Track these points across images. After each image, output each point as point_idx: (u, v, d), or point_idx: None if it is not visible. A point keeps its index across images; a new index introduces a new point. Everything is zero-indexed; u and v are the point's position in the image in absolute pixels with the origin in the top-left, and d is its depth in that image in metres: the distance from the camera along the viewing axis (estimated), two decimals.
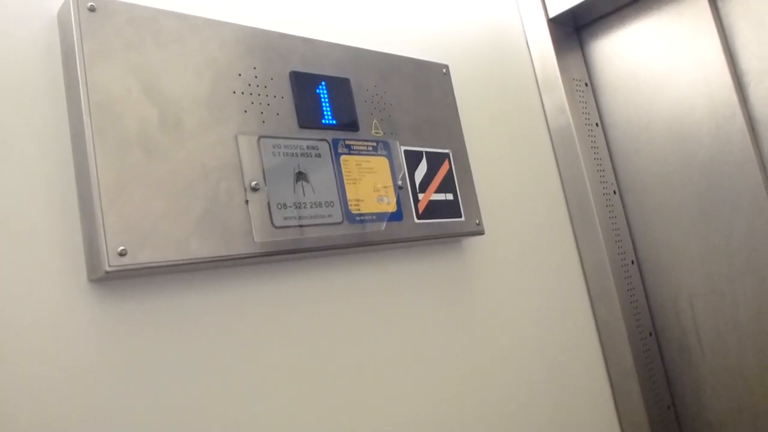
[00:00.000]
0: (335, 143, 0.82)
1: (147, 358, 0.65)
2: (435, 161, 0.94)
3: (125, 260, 0.60)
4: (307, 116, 0.80)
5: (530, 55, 1.27)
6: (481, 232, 0.98)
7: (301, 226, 0.75)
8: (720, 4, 1.14)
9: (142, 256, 0.62)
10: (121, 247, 0.60)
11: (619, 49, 1.26)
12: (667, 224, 1.21)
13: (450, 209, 0.94)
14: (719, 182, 1.13)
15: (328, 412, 0.77)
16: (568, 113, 1.22)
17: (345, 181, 0.81)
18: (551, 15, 1.25)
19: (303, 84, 0.80)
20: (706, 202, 1.15)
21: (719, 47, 1.12)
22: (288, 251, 0.73)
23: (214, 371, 0.69)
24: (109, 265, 0.60)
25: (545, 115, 1.26)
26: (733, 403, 1.14)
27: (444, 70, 1.01)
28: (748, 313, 1.11)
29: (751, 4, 1.10)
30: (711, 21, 1.13)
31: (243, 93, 0.74)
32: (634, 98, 1.24)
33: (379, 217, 0.83)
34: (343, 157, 0.82)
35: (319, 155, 0.79)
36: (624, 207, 1.27)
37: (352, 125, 0.84)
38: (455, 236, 0.94)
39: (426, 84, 0.97)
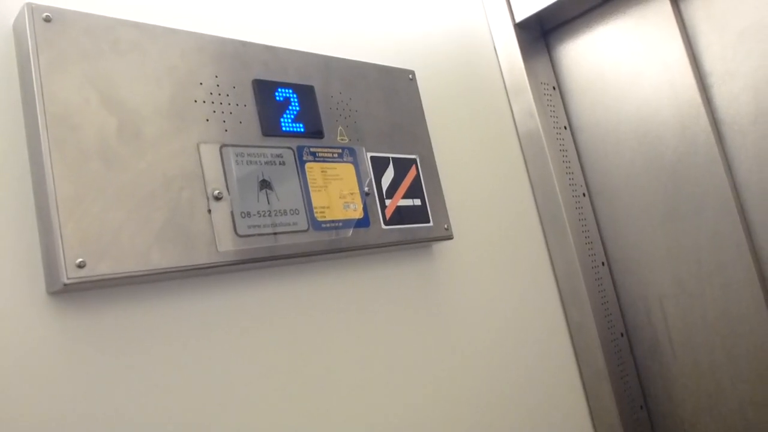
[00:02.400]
0: (300, 151, 0.81)
1: (107, 371, 0.64)
2: (402, 167, 0.94)
3: (84, 272, 0.60)
4: (271, 124, 0.79)
5: (498, 59, 1.28)
6: (449, 237, 0.98)
7: (265, 234, 0.74)
8: (683, 7, 1.15)
9: (101, 268, 0.61)
10: (80, 259, 0.60)
11: (586, 53, 1.27)
12: (636, 225, 1.22)
13: (418, 215, 0.94)
14: (686, 183, 1.14)
15: (297, 420, 0.77)
16: (537, 117, 1.23)
17: (310, 189, 0.81)
18: (518, 20, 1.26)
19: (266, 92, 0.80)
20: (673, 203, 1.16)
21: (683, 49, 1.13)
22: (252, 260, 0.73)
23: (176, 383, 0.68)
24: (68, 278, 0.59)
25: (514, 119, 1.27)
26: (703, 402, 1.16)
27: (410, 76, 1.02)
28: (716, 312, 1.13)
29: (714, 7, 1.11)
30: (674, 24, 1.14)
31: (205, 102, 0.74)
32: (602, 101, 1.25)
33: (346, 223, 0.83)
34: (308, 165, 0.82)
35: (283, 163, 0.79)
36: (593, 209, 1.28)
37: (316, 132, 0.84)
38: (424, 241, 0.94)
39: (392, 90, 0.97)
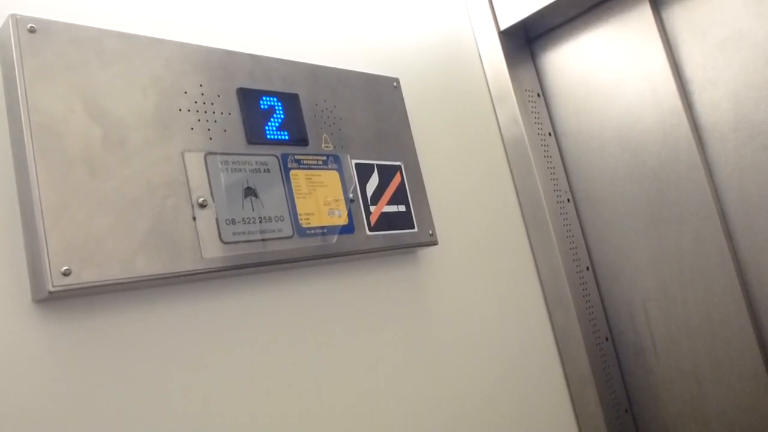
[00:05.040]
0: (284, 158, 0.82)
1: (93, 378, 0.64)
2: (386, 174, 0.95)
3: (69, 280, 0.60)
4: (255, 132, 0.80)
5: (482, 67, 1.29)
6: (434, 243, 0.99)
7: (250, 241, 0.75)
8: (665, 16, 1.17)
9: (86, 275, 0.62)
10: (65, 267, 0.60)
11: (570, 60, 1.29)
12: (619, 230, 1.24)
13: (402, 221, 0.95)
14: (668, 188, 1.16)
15: (284, 424, 0.78)
16: (521, 124, 1.24)
17: (295, 196, 0.82)
18: (502, 27, 1.27)
19: (250, 100, 0.81)
20: (656, 208, 1.18)
21: (665, 57, 1.15)
22: (237, 266, 0.73)
23: (162, 389, 0.69)
24: (53, 285, 0.60)
25: (498, 126, 1.28)
26: (687, 405, 1.17)
27: (395, 84, 1.03)
28: (699, 316, 1.14)
29: (695, 16, 1.13)
30: (656, 32, 1.16)
31: (189, 110, 0.75)
32: (585, 108, 1.27)
33: (330, 230, 0.84)
34: (292, 172, 0.83)
35: (268, 170, 0.80)
36: (578, 214, 1.29)
37: (301, 140, 0.85)
38: (409, 247, 0.95)
39: (377, 97, 0.98)
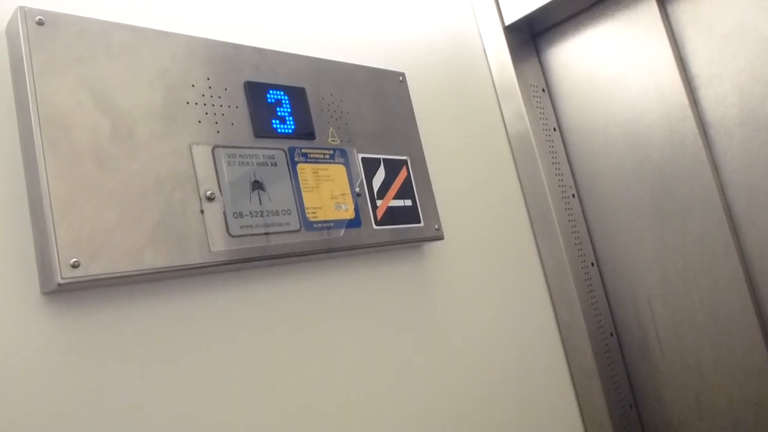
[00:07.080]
0: (291, 152, 0.82)
1: (101, 370, 0.64)
2: (393, 168, 0.95)
3: (78, 272, 0.60)
4: (263, 125, 0.80)
5: (487, 62, 1.29)
6: (440, 237, 0.99)
7: (257, 234, 0.75)
8: (670, 11, 1.17)
9: (95, 268, 0.62)
10: (74, 259, 0.60)
11: (575, 56, 1.28)
12: (624, 226, 1.24)
13: (409, 215, 0.95)
14: (673, 184, 1.16)
15: (289, 418, 0.78)
16: (526, 119, 1.24)
17: (302, 189, 0.82)
18: (507, 23, 1.27)
19: (257, 94, 0.81)
20: (660, 204, 1.18)
21: (670, 52, 1.15)
22: (244, 260, 0.73)
23: (170, 381, 0.69)
24: (62, 278, 0.60)
25: (503, 121, 1.28)
26: (691, 401, 1.17)
27: (401, 78, 1.03)
28: (703, 312, 1.14)
29: (701, 11, 1.13)
30: (661, 27, 1.15)
31: (197, 103, 0.75)
32: (590, 103, 1.27)
33: (337, 224, 0.84)
34: (299, 166, 0.83)
35: (275, 164, 0.80)
36: (583, 210, 1.29)
37: (308, 134, 0.85)
38: (415, 242, 0.95)
39: (383, 92, 0.98)
